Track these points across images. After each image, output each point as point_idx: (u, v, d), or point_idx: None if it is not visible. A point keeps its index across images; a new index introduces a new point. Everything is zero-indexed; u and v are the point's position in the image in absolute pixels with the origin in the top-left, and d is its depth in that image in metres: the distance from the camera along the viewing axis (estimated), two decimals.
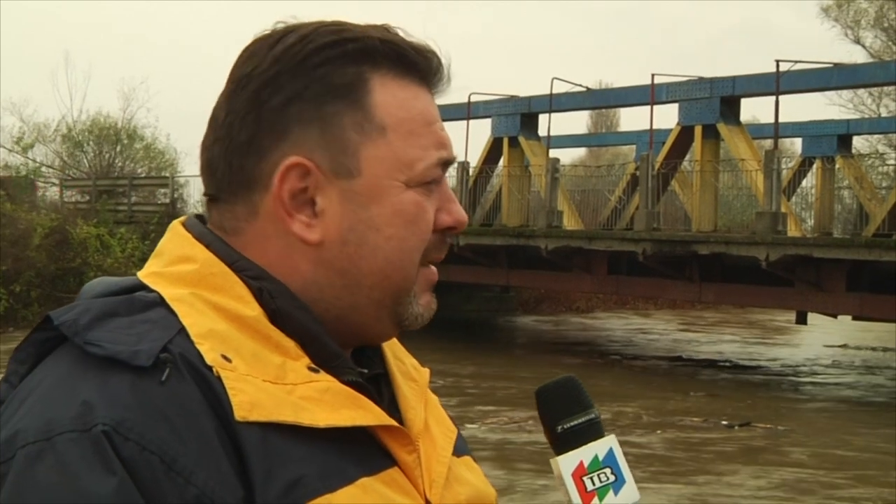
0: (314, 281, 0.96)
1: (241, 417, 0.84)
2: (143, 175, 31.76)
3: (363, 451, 0.91)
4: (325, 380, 0.91)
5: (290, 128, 0.94)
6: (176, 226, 1.00)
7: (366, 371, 0.98)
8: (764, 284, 17.64)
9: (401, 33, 0.98)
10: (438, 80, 1.00)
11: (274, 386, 0.88)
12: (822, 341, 22.95)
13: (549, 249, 19.90)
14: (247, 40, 0.99)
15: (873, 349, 22.17)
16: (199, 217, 1.01)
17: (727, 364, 19.98)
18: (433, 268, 1.01)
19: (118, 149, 33.19)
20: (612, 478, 1.00)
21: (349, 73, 0.95)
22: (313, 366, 0.92)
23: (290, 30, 0.96)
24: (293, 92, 0.93)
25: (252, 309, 0.92)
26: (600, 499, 0.99)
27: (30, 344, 0.91)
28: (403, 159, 0.96)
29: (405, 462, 0.93)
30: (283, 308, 0.93)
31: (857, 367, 20.03)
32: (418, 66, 0.98)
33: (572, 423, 1.01)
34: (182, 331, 0.87)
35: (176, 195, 27.89)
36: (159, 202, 28.42)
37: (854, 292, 16.66)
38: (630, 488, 1.01)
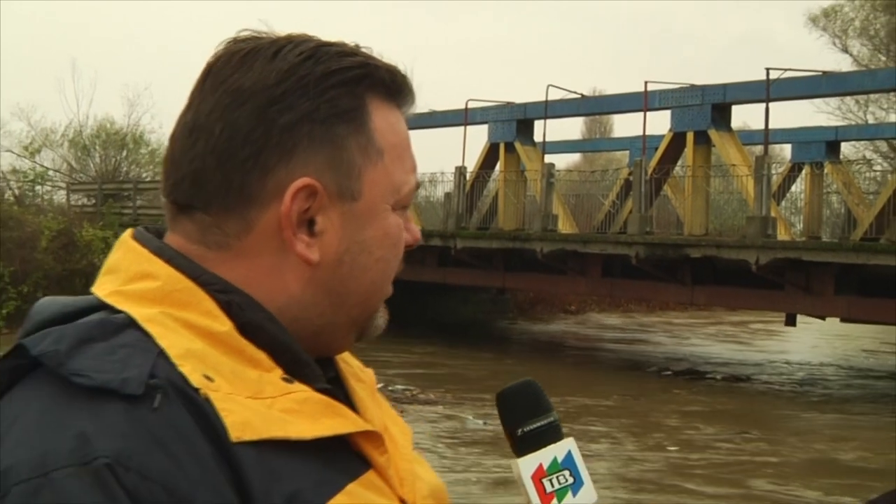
0: (300, 299, 0.95)
1: (237, 438, 0.83)
2: (148, 179, 31.93)
3: (343, 458, 0.91)
4: (301, 390, 0.91)
5: (298, 147, 0.93)
6: (127, 240, 0.97)
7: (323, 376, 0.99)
8: (754, 287, 17.81)
9: (375, 54, 1.00)
10: (411, 104, 1.02)
11: (255, 402, 0.87)
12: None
13: (544, 253, 20.05)
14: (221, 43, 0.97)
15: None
16: (147, 229, 0.99)
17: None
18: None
19: (124, 153, 33.35)
20: (570, 479, 1.01)
21: (354, 97, 0.95)
22: (287, 376, 0.91)
23: (282, 42, 0.96)
24: (303, 112, 0.93)
25: (223, 324, 0.90)
26: (559, 500, 1.01)
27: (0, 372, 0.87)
28: (394, 183, 0.98)
29: (379, 463, 0.94)
30: (254, 320, 0.92)
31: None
32: (402, 91, 1.00)
33: (532, 426, 1.02)
34: (161, 353, 0.85)
35: None
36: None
37: (842, 295, 16.84)
38: (588, 490, 1.02)
